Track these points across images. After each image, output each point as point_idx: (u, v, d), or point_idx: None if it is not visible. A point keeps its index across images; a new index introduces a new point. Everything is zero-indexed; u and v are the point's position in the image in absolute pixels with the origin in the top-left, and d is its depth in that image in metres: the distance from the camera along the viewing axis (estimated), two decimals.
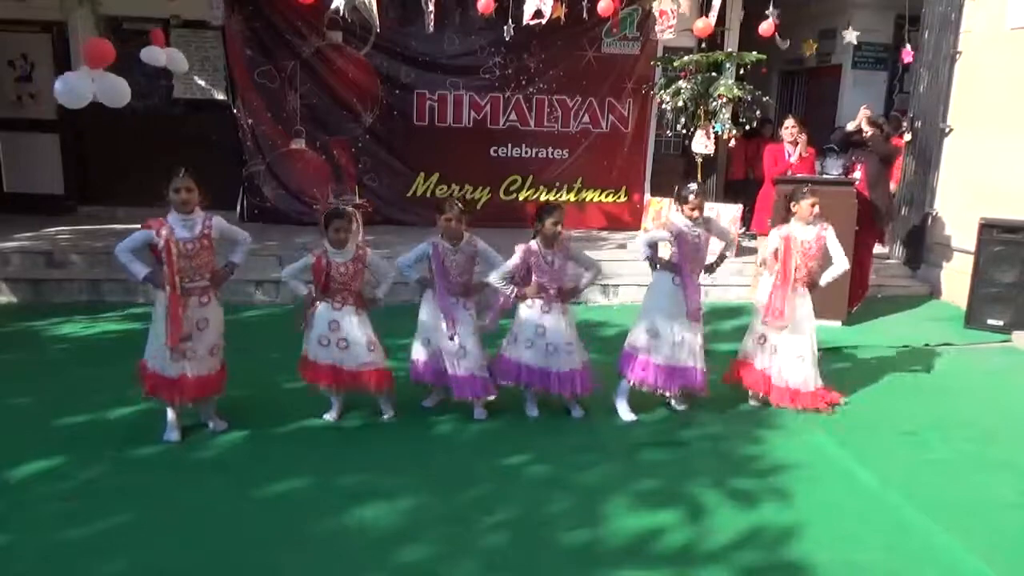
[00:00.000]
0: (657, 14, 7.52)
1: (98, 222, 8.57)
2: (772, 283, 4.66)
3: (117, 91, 6.31)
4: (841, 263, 4.68)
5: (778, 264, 4.63)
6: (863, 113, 7.17)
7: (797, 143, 7.23)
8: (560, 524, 3.35)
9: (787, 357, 4.64)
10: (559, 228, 4.29)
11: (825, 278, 4.68)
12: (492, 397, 4.44)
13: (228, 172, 8.64)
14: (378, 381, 4.25)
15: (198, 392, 4.05)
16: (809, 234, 4.62)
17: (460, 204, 4.36)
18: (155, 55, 7.68)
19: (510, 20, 7.34)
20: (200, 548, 3.10)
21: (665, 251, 4.55)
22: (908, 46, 8.51)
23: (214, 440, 4.08)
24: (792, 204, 4.70)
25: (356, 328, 4.20)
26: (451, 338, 4.31)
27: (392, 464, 3.90)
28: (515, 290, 4.40)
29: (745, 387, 4.80)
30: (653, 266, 4.54)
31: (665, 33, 7.71)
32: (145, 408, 4.29)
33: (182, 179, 3.85)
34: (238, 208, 9.11)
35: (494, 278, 4.38)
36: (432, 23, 7.42)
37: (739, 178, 10.26)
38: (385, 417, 4.41)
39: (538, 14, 7.30)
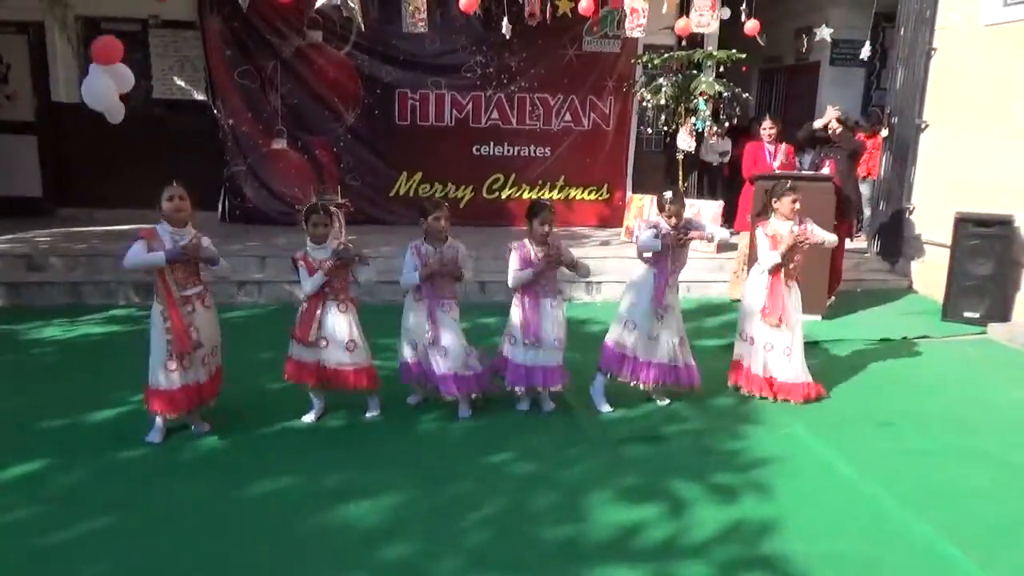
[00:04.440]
0: (628, 12, 7.54)
1: (77, 224, 8.50)
2: (763, 281, 4.70)
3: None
4: (832, 238, 4.96)
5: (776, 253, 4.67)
6: (832, 112, 7.21)
7: (778, 144, 7.29)
8: (544, 520, 3.37)
9: (776, 353, 4.70)
10: (546, 228, 4.34)
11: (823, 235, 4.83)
12: (474, 395, 4.47)
13: (209, 173, 8.58)
14: (357, 380, 4.25)
15: (208, 395, 4.09)
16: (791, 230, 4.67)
17: (447, 204, 4.39)
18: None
19: (505, 19, 7.34)
20: (184, 549, 3.10)
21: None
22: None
23: (196, 442, 4.07)
24: (774, 200, 4.74)
25: (338, 326, 4.20)
26: (432, 341, 4.33)
27: (376, 462, 3.91)
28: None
29: (742, 389, 4.85)
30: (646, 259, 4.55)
31: (635, 31, 7.76)
32: (126, 411, 4.28)
33: (175, 187, 3.92)
34: (219, 209, 9.06)
35: (511, 283, 4.41)
36: (416, 23, 7.40)
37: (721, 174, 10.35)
38: (368, 415, 4.41)
39: (531, 15, 7.34)
